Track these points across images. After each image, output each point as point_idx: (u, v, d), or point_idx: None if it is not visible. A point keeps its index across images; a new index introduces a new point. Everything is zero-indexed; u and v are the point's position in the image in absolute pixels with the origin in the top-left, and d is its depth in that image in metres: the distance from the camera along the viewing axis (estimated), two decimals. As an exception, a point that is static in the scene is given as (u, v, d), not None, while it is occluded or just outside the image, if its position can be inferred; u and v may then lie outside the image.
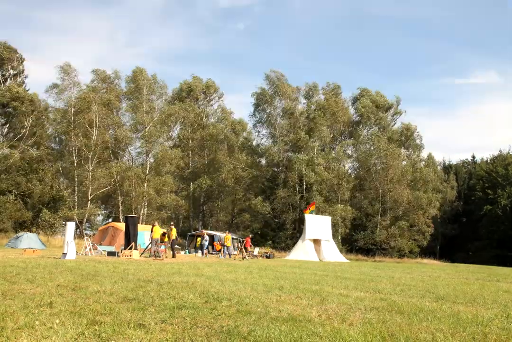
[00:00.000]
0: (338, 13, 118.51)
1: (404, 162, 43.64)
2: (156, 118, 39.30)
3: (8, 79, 37.82)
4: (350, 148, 45.18)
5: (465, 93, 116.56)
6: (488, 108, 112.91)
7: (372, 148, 42.85)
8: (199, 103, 47.78)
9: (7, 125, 36.81)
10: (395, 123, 47.35)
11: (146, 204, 37.74)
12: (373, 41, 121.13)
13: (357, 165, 45.84)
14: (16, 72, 38.66)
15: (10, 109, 35.16)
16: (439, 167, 54.41)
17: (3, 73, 37.57)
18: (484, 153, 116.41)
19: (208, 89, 48.12)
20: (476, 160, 62.66)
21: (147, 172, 38.21)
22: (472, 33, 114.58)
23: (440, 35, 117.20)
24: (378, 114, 44.67)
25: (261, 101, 43.01)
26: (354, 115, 45.58)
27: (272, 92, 42.50)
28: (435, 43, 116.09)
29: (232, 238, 33.24)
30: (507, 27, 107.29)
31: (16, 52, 38.06)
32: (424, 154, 48.23)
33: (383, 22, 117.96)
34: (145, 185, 37.06)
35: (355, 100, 46.57)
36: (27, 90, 37.34)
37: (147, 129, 38.60)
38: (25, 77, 39.62)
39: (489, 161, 57.65)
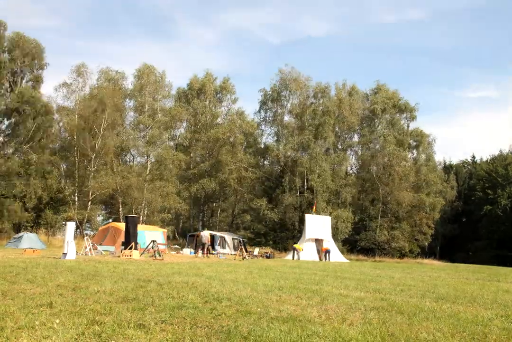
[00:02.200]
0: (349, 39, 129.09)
1: (408, 164, 43.30)
2: (157, 119, 39.25)
3: (23, 82, 37.51)
4: (355, 149, 44.97)
5: (465, 104, 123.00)
6: (487, 115, 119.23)
7: (378, 148, 42.55)
8: (210, 103, 46.40)
9: (11, 127, 36.70)
10: (408, 127, 46.40)
11: (147, 204, 37.70)
12: (375, 55, 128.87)
13: (360, 164, 45.58)
14: (34, 76, 38.31)
15: (18, 113, 35.04)
16: (439, 167, 54.37)
17: (20, 75, 37.21)
18: (484, 154, 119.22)
19: (222, 90, 46.92)
20: (476, 160, 62.71)
21: (148, 172, 38.17)
22: (472, 50, 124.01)
23: (441, 51, 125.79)
24: (392, 113, 44.15)
25: (268, 99, 42.27)
26: (366, 112, 44.42)
27: (283, 88, 41.50)
28: (436, 58, 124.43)
29: (232, 238, 33.33)
30: (504, 45, 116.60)
31: (40, 56, 37.61)
32: (430, 157, 47.48)
33: (386, 41, 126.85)
34: (146, 185, 37.03)
35: (369, 95, 45.93)
36: (37, 92, 37.03)
37: (148, 129, 38.56)
38: (41, 83, 39.21)
39: (489, 161, 57.67)
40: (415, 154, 46.24)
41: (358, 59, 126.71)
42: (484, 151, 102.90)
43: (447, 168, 58.80)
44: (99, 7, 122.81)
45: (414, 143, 45.20)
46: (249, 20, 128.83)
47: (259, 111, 43.24)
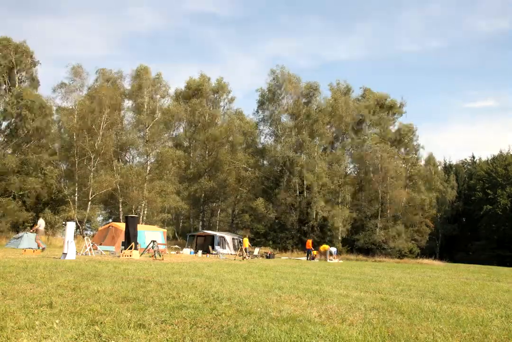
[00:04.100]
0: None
1: (400, 162, 43.37)
2: (157, 118, 39.23)
3: (20, 83, 37.82)
4: (350, 149, 44.99)
5: (464, 113, 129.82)
6: (485, 121, 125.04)
7: (368, 148, 42.60)
8: (207, 103, 46.59)
9: (11, 127, 36.89)
10: (394, 122, 46.92)
11: (147, 204, 37.68)
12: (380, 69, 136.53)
13: (357, 165, 45.61)
14: (30, 76, 38.84)
15: (16, 113, 35.28)
16: (439, 167, 54.35)
17: (16, 76, 37.66)
18: (484, 153, 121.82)
19: (219, 90, 47.18)
20: (476, 160, 62.74)
21: (148, 172, 38.16)
22: (472, 65, 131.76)
23: (443, 65, 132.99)
24: (379, 114, 44.37)
25: (265, 99, 42.56)
26: (357, 115, 44.71)
27: (277, 88, 41.92)
28: (438, 73, 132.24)
29: (232, 238, 33.35)
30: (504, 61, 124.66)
31: (31, 56, 38.31)
32: (423, 154, 47.70)
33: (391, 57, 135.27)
34: (145, 185, 37.02)
35: (358, 99, 46.30)
36: (35, 93, 37.28)
37: (147, 129, 38.54)
38: (36, 82, 39.75)
39: (489, 161, 57.69)
40: (407, 150, 46.35)
41: (372, 75, 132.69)
42: (484, 152, 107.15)
43: (447, 168, 58.82)
44: (157, 40, 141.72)
45: (402, 138, 45.33)
46: (287, 48, 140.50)
47: (257, 111, 43.50)
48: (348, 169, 46.17)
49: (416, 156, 46.19)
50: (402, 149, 46.06)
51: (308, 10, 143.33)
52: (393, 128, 45.94)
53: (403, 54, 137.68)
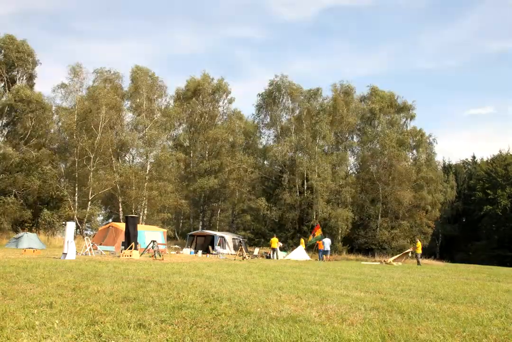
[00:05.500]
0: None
1: (408, 164, 43.20)
2: (156, 118, 39.21)
3: (18, 81, 37.93)
4: (355, 148, 44.89)
5: (465, 119, 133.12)
6: (486, 125, 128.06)
7: (377, 147, 42.43)
8: (206, 103, 46.34)
9: (10, 126, 36.97)
10: (406, 126, 46.53)
11: (146, 204, 37.68)
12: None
13: (360, 164, 45.47)
14: (28, 75, 38.95)
15: (15, 111, 35.38)
16: (439, 167, 54.31)
17: (15, 74, 37.80)
18: (484, 154, 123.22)
19: (218, 90, 46.92)
20: (476, 160, 62.74)
21: (147, 172, 38.15)
22: (472, 78, 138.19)
23: (444, 79, 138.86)
24: (390, 113, 44.20)
25: (266, 102, 42.51)
26: (364, 112, 44.19)
27: (278, 92, 41.95)
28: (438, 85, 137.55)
29: (232, 238, 33.33)
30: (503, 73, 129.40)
31: (32, 55, 38.43)
32: (432, 156, 47.17)
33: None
34: (145, 184, 37.03)
35: (365, 97, 46.05)
36: (35, 91, 37.38)
37: (147, 129, 38.51)
38: (34, 80, 40.01)
39: (489, 161, 57.69)
40: (415, 154, 46.11)
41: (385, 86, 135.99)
42: (484, 152, 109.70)
43: (447, 168, 58.81)
44: (190, 58, 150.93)
45: (414, 143, 45.11)
46: (312, 67, 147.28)
47: (257, 114, 43.50)
48: (350, 169, 46.11)
49: (423, 159, 45.87)
50: (407, 151, 45.77)
51: (333, 34, 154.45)
52: (404, 130, 45.53)
53: (416, 71, 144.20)
